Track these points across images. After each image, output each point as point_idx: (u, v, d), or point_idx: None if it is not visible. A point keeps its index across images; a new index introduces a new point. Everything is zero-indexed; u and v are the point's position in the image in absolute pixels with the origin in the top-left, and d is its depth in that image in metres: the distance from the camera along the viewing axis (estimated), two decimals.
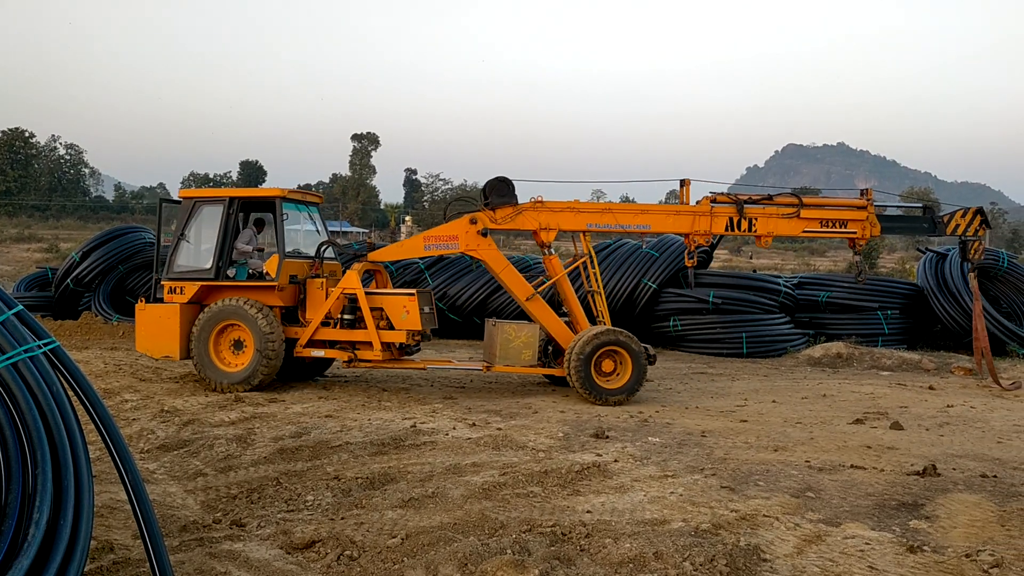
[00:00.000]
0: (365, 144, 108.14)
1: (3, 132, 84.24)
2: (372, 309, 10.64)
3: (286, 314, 11.02)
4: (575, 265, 11.13)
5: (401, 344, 10.68)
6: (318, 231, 11.95)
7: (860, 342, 15.68)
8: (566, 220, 10.93)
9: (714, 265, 21.40)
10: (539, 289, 11.02)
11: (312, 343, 10.79)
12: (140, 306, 11.10)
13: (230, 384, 10.48)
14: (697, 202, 11.04)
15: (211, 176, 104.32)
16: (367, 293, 10.73)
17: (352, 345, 10.74)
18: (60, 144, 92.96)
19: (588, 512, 5.86)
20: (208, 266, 10.90)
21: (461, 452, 7.44)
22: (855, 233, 11.26)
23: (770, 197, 11.25)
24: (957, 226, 11.75)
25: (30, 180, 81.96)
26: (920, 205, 12.95)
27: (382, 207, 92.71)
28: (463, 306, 17.16)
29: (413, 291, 10.79)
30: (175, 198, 11.63)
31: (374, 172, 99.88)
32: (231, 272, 11.08)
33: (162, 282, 11.10)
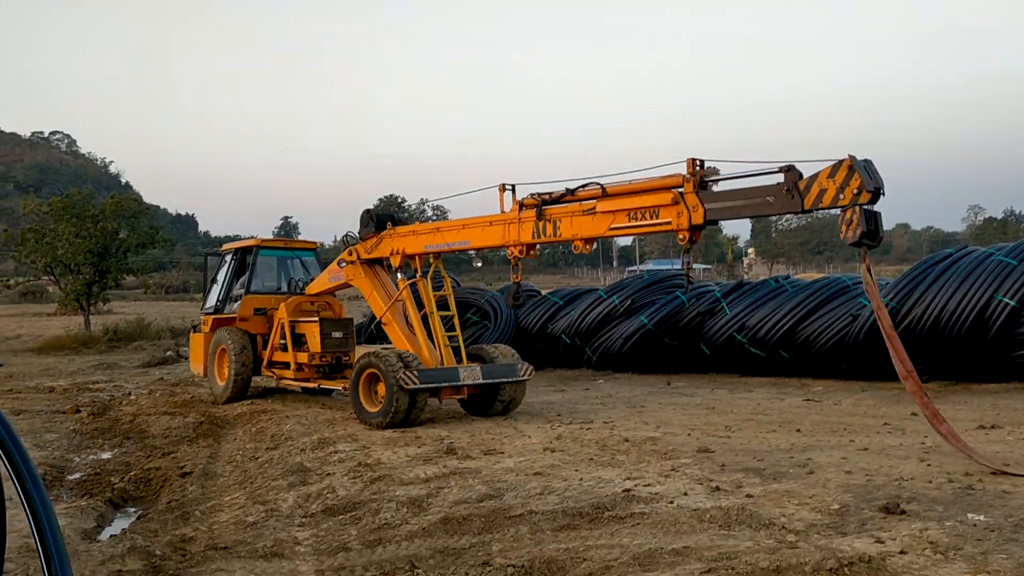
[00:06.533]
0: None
1: (111, 199, 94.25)
2: (298, 335, 12.34)
3: (267, 341, 12.95)
4: (407, 284, 10.98)
5: (317, 365, 12.02)
6: (306, 271, 14.00)
7: None
8: (409, 244, 10.88)
9: None
10: (386, 310, 11.11)
11: (270, 364, 12.81)
12: (191, 335, 14.58)
13: (216, 397, 13.20)
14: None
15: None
16: (295, 321, 12.43)
17: (286, 366, 12.42)
18: None
19: None
20: (213, 304, 13.85)
21: (673, 531, 5.45)
22: (669, 223, 8.17)
23: (572, 191, 9.08)
24: (822, 192, 7.19)
25: None
26: (777, 168, 7.50)
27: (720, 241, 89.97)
28: (765, 337, 14.71)
29: (317, 318, 12.24)
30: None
31: None
32: (234, 307, 13.40)
33: (200, 316, 14.28)
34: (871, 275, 7.47)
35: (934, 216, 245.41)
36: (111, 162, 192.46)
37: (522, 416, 10.60)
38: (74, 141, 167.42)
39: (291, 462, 8.25)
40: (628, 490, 6.44)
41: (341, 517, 6.35)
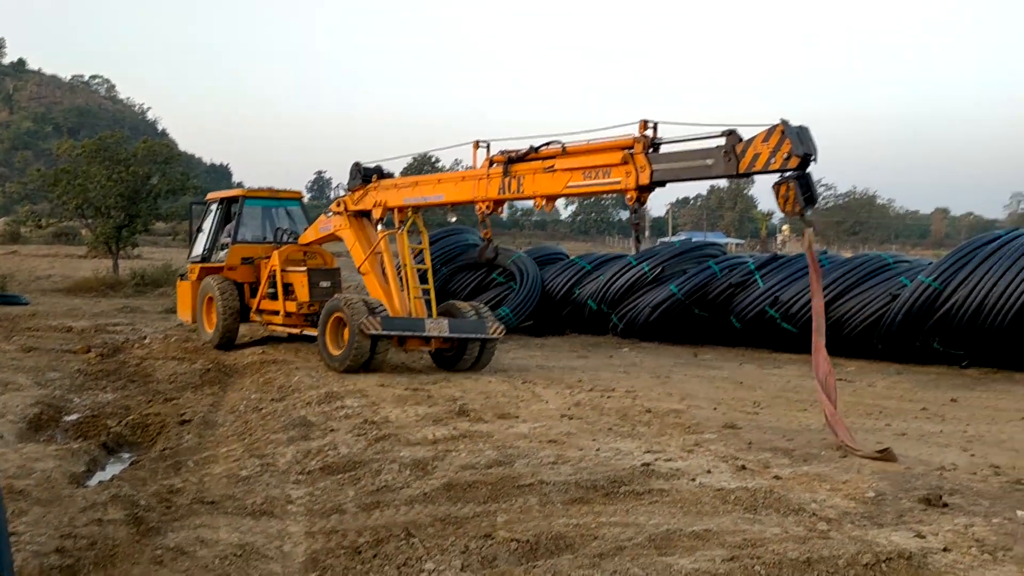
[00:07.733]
0: None
1: (144, 143, 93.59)
2: (286, 283, 12.36)
3: (254, 289, 13.03)
4: (384, 235, 11.18)
5: (305, 314, 12.04)
6: (292, 221, 14.03)
7: None
8: (391, 196, 11.00)
9: None
10: (364, 260, 11.30)
11: (259, 311, 12.88)
12: (178, 283, 14.70)
13: (207, 343, 13.18)
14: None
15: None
16: (284, 270, 12.42)
17: (275, 313, 12.55)
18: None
19: None
20: (200, 253, 13.85)
21: (694, 512, 5.03)
22: (619, 183, 8.32)
23: (536, 149, 9.22)
24: (756, 156, 7.19)
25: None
26: (720, 132, 7.54)
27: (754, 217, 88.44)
28: (799, 313, 14.12)
29: (304, 267, 12.29)
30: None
31: (753, 182, 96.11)
32: (221, 256, 13.36)
33: (188, 265, 14.29)
34: (813, 250, 7.54)
35: (975, 202, 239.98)
36: (148, 108, 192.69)
37: (541, 380, 10.19)
38: (113, 86, 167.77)
39: (295, 415, 7.92)
40: (647, 464, 6.02)
41: (340, 476, 6.00)
